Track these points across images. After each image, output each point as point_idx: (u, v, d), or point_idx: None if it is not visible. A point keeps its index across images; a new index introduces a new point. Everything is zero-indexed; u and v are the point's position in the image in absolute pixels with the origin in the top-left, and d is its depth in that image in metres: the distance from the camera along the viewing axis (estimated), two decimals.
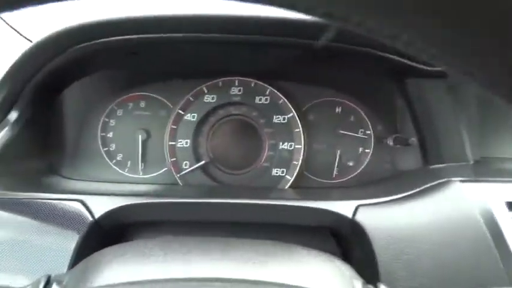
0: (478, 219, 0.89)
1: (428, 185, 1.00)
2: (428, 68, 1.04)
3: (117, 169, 1.37)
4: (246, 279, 0.57)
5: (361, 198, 1.00)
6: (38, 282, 0.68)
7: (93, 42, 0.99)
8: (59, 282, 0.68)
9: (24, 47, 0.99)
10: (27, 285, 0.68)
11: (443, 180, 1.00)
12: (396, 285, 0.86)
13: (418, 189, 1.00)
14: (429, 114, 1.15)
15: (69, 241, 0.91)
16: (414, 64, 1.02)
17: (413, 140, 1.14)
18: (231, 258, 0.63)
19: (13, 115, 1.09)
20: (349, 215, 0.96)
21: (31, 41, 0.96)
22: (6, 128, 1.07)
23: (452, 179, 0.99)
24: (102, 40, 0.99)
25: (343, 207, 0.98)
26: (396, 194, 1.00)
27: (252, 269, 0.61)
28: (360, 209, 0.96)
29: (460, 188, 0.96)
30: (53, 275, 0.71)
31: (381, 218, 0.95)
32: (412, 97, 1.14)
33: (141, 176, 1.37)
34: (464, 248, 0.88)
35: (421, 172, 1.18)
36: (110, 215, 0.97)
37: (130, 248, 0.68)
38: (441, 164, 1.17)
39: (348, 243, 1.08)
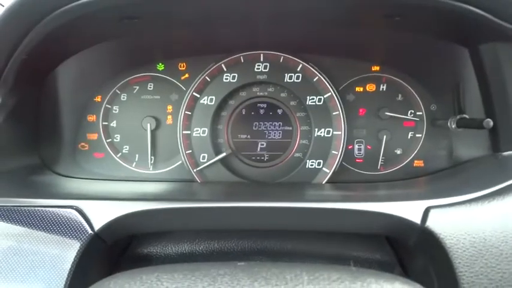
0: None
1: None
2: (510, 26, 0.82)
3: (123, 164, 1.20)
4: None
5: (429, 198, 0.79)
6: None
7: (70, 5, 0.77)
8: None
9: None
10: None
11: None
12: None
13: (505, 185, 0.78)
14: (504, 88, 0.94)
15: (64, 259, 0.73)
16: (496, 19, 0.79)
17: (489, 121, 0.91)
18: None
19: None
20: (418, 220, 0.76)
21: (3, 5, 0.75)
22: None
23: None
24: (82, 2, 0.77)
25: (409, 210, 0.77)
26: (475, 190, 0.79)
27: None
28: (432, 212, 0.76)
29: None
30: None
31: (460, 224, 0.74)
32: (485, 67, 0.93)
33: (151, 171, 1.20)
34: None
35: (494, 161, 0.97)
36: (112, 225, 0.79)
37: (137, 286, 0.48)
38: None
39: (408, 253, 0.88)
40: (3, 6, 0.80)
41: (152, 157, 1.18)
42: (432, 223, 0.74)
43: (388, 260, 0.90)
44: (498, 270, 0.69)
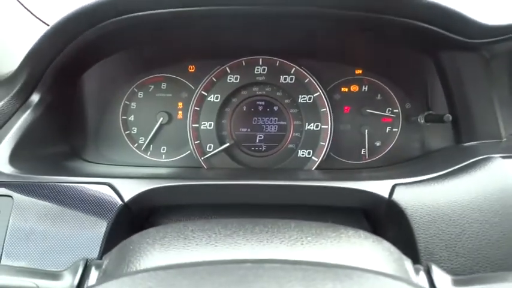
0: None
1: (467, 162, 0.96)
2: (466, 40, 1.00)
3: (140, 153, 1.35)
4: (300, 260, 0.54)
5: (396, 178, 0.96)
6: (76, 266, 0.66)
7: (110, 21, 0.95)
8: (97, 266, 0.65)
9: (42, 30, 0.97)
10: (66, 269, 0.66)
11: (483, 156, 0.95)
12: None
13: (457, 167, 0.95)
14: (463, 89, 1.11)
15: (99, 225, 0.88)
16: (451, 35, 0.97)
17: (449, 116, 1.09)
18: (278, 239, 0.60)
19: (34, 98, 1.07)
20: (386, 195, 0.92)
21: (48, 25, 0.93)
22: (28, 112, 1.05)
23: (493, 155, 0.95)
24: (120, 18, 0.95)
25: (379, 187, 0.94)
26: (433, 172, 0.96)
27: (301, 250, 0.58)
28: (397, 189, 0.92)
29: (502, 165, 0.92)
30: (90, 259, 0.69)
31: (419, 197, 0.90)
32: (446, 71, 1.10)
33: (163, 159, 1.35)
34: (510, 226, 0.83)
35: (455, 150, 1.14)
36: (139, 198, 0.94)
37: (170, 230, 0.65)
38: (474, 141, 1.14)
39: (380, 223, 1.05)
40: (48, 25, 0.98)
41: (164, 147, 1.33)
42: (397, 197, 0.90)
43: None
44: (447, 232, 0.84)
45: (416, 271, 0.64)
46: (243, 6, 0.91)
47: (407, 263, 0.64)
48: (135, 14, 0.92)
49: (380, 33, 1.05)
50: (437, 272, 0.64)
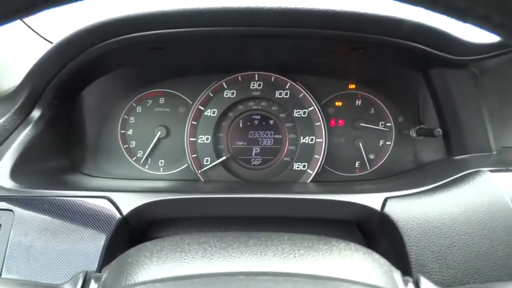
0: (511, 208, 0.88)
1: (457, 176, 0.99)
2: (453, 57, 1.03)
3: (138, 166, 1.37)
4: (292, 272, 0.57)
5: (389, 191, 0.98)
6: (76, 279, 0.67)
7: (112, 40, 0.98)
8: (96, 279, 0.67)
9: (44, 48, 1.01)
10: (65, 282, 0.68)
11: (472, 170, 0.98)
12: (428, 278, 0.85)
13: (446, 180, 0.98)
14: (453, 104, 1.14)
15: (98, 238, 0.90)
16: (440, 53, 1.00)
17: (439, 130, 1.13)
18: (271, 252, 0.62)
19: (35, 114, 1.10)
20: (378, 207, 0.95)
21: (51, 43, 0.96)
22: (29, 127, 1.08)
23: (482, 169, 0.98)
24: (121, 37, 0.98)
25: (372, 200, 0.96)
26: (424, 185, 0.99)
27: (293, 262, 0.60)
28: (389, 202, 0.95)
29: (491, 178, 0.95)
30: (89, 272, 0.70)
31: (410, 210, 0.93)
32: (436, 87, 1.13)
33: (161, 172, 1.37)
34: (498, 238, 0.86)
35: (446, 163, 1.17)
36: (137, 211, 0.96)
37: (167, 244, 0.67)
38: (465, 154, 1.17)
39: (374, 235, 1.07)
40: (50, 43, 1.01)
41: (162, 160, 1.35)
42: (389, 210, 0.92)
43: (358, 243, 1.09)
44: (437, 244, 0.86)
45: (405, 283, 0.66)
46: (236, 27, 0.95)
47: (397, 275, 0.67)
48: (133, 34, 0.95)
49: (371, 52, 1.09)
50: (425, 284, 0.66)
